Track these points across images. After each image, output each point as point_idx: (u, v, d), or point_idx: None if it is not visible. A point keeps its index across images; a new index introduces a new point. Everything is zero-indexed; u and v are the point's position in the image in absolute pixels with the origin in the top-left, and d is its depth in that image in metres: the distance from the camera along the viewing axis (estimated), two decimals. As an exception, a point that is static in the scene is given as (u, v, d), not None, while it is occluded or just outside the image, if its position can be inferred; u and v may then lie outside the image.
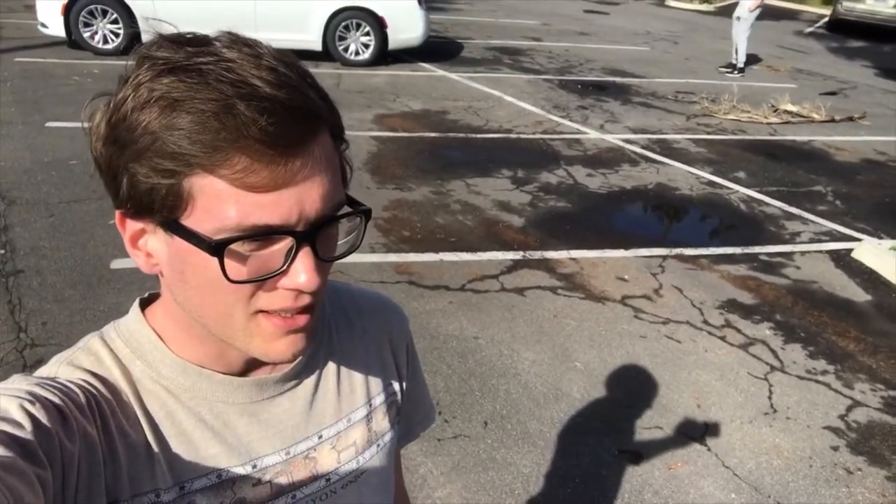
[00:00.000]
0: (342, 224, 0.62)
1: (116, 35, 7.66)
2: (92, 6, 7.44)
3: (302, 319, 0.60)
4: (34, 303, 3.19)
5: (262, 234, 0.54)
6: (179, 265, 0.58)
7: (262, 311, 0.58)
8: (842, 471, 2.76)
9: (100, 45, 7.64)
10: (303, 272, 0.56)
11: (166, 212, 0.55)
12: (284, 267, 0.56)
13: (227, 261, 0.54)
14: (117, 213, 0.59)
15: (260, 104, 0.51)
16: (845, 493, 2.65)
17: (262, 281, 0.56)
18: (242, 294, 0.57)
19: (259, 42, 0.56)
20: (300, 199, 0.54)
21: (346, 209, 0.61)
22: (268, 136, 0.51)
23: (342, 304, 0.81)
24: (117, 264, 3.57)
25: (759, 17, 10.17)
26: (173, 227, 0.55)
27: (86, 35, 7.55)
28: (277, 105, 0.51)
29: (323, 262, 0.58)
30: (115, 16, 7.55)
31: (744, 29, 9.98)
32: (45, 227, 3.89)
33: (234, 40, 0.55)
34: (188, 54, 0.53)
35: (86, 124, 0.57)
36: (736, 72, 10.23)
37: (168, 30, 0.56)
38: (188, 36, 0.55)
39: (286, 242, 0.55)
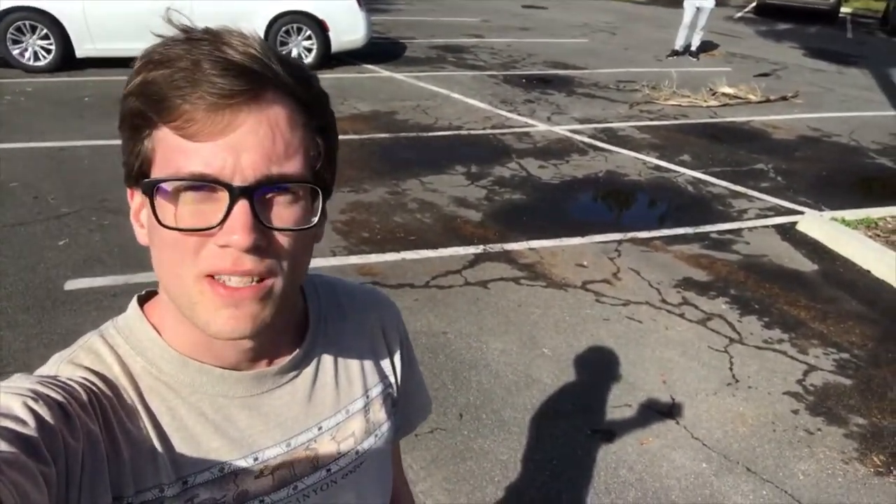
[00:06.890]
0: (312, 206, 0.62)
1: (48, 51, 7.38)
2: (20, 22, 7.14)
3: (246, 292, 0.58)
4: (-14, 330, 3.08)
5: (195, 181, 0.55)
6: (148, 225, 0.61)
7: (208, 276, 0.58)
8: (803, 433, 2.88)
9: (31, 63, 7.35)
10: (237, 228, 0.55)
11: (141, 171, 0.58)
12: (219, 221, 0.56)
13: (165, 205, 0.57)
14: (127, 187, 0.63)
15: (220, 63, 0.54)
16: (808, 452, 2.77)
17: (196, 232, 0.56)
18: (187, 249, 0.57)
19: (252, 33, 0.59)
20: (235, 150, 0.55)
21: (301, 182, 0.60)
22: (211, 87, 0.54)
23: (337, 297, 0.83)
24: (71, 285, 3.47)
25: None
26: (140, 183, 0.59)
27: (15, 52, 7.26)
28: (233, 64, 0.54)
29: (265, 227, 0.57)
30: (45, 31, 7.27)
31: (706, 17, 10.50)
32: (-9, 251, 3.75)
33: (229, 28, 0.58)
34: (186, 33, 0.57)
35: None
36: (690, 55, 10.90)
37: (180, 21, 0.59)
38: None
39: (225, 197, 0.56)
